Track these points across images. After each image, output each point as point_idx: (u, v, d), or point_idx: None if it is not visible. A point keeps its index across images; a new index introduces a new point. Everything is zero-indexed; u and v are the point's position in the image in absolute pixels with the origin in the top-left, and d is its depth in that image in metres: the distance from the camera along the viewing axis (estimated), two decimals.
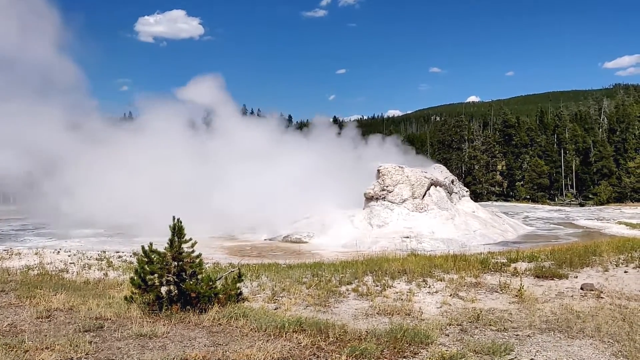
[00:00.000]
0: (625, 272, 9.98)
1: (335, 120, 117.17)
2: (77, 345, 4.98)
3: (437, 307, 7.52)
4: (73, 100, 35.49)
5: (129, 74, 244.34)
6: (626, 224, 29.59)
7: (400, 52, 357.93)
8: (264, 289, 8.83)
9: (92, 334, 5.55)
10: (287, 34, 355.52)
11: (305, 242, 23.57)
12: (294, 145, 35.32)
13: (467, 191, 32.47)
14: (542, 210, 45.22)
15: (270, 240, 25.08)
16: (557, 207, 50.01)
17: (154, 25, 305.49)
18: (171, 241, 6.70)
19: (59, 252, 16.52)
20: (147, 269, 6.61)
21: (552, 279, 9.45)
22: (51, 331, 5.64)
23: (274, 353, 4.84)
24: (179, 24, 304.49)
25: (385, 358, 4.88)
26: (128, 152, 32.51)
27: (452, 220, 25.19)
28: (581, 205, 53.95)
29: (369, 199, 25.55)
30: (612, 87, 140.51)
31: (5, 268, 11.72)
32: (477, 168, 63.74)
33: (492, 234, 25.07)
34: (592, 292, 8.37)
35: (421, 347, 5.23)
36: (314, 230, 24.51)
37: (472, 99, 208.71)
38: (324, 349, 5.09)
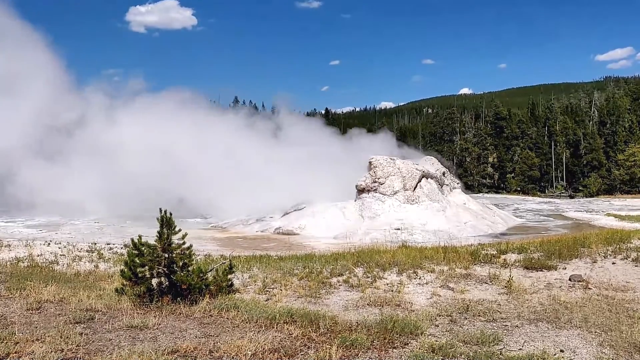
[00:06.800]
0: (613, 263, 10.09)
1: (328, 112, 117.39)
2: (67, 337, 4.97)
3: (427, 298, 7.57)
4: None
5: (121, 64, 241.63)
6: (615, 216, 29.94)
7: (394, 43, 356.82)
8: (255, 281, 8.84)
9: (82, 325, 5.54)
10: (281, 25, 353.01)
11: (297, 234, 23.61)
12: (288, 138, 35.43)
13: (458, 183, 32.67)
14: (533, 202, 45.62)
15: (262, 232, 25.10)
16: (547, 199, 50.45)
17: (145, 15, 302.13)
18: (160, 233, 6.66)
19: (49, 244, 16.40)
20: (137, 261, 6.59)
21: (541, 270, 9.54)
22: (41, 323, 5.62)
23: (265, 344, 4.86)
24: (172, 14, 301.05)
25: (376, 349, 4.91)
26: None
27: (443, 212, 25.33)
28: (571, 197, 54.44)
29: (361, 190, 25.60)
30: (602, 79, 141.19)
31: None
32: (468, 160, 64.06)
33: (482, 225, 25.26)
34: (580, 283, 8.47)
35: (411, 337, 5.28)
36: (305, 222, 24.54)
37: (465, 91, 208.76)
38: (314, 339, 5.12)
